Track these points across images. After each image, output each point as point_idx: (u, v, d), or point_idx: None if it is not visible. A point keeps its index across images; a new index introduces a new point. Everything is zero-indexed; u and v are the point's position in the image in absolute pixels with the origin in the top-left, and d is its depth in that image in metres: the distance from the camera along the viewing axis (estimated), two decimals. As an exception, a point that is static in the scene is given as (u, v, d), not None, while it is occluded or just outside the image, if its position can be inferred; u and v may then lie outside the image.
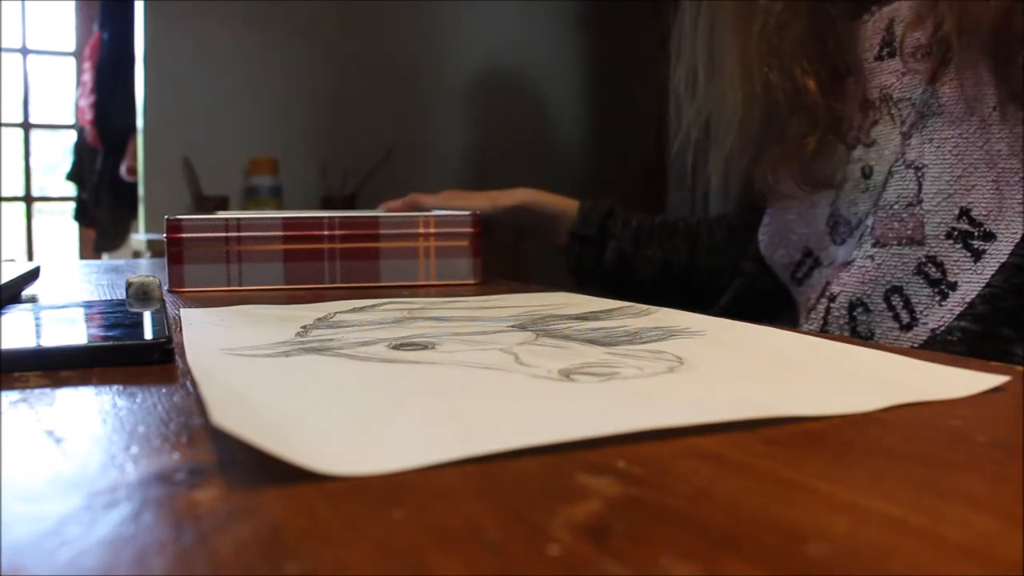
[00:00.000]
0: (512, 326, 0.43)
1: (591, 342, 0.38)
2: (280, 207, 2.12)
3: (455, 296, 0.57)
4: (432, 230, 0.66)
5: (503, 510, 0.18)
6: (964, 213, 0.56)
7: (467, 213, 0.68)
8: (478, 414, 0.26)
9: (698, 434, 0.23)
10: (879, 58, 0.63)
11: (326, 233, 0.64)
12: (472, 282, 0.66)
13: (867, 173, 0.63)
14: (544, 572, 0.15)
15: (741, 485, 0.19)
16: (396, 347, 0.37)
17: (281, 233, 0.64)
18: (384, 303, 0.52)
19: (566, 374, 0.31)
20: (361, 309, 0.49)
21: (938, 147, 0.57)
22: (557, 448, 0.22)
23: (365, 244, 0.65)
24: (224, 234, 0.63)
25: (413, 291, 0.61)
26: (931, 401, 0.27)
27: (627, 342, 0.38)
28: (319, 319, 0.45)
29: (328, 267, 0.64)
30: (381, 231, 0.65)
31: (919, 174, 0.58)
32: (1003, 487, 0.19)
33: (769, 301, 0.71)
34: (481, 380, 0.31)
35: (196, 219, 0.63)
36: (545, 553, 0.16)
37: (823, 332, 0.62)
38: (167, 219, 0.63)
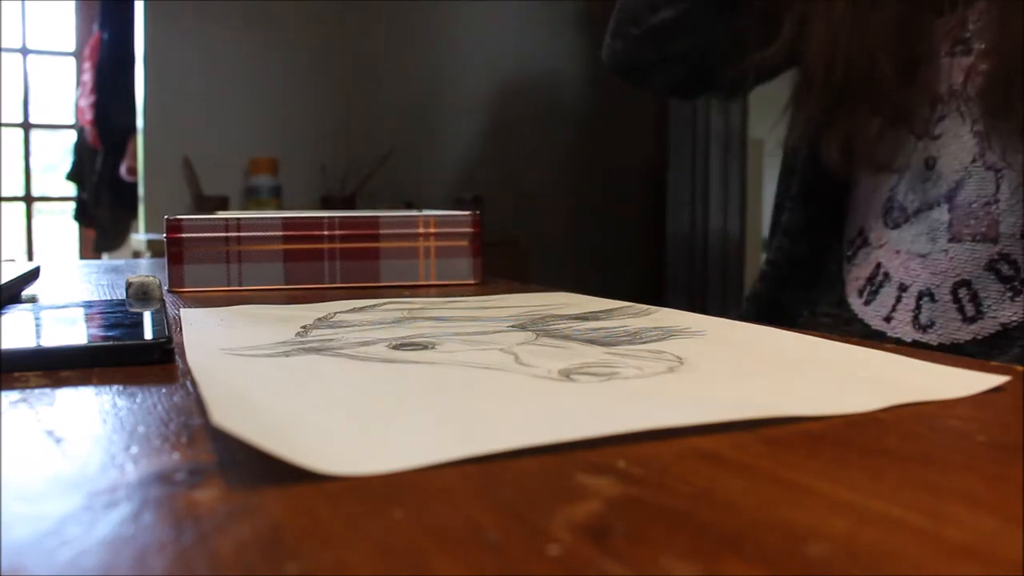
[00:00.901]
0: (512, 326, 0.43)
1: (591, 342, 0.38)
2: (280, 207, 2.12)
3: (455, 296, 0.57)
4: (432, 230, 0.66)
5: (503, 510, 0.18)
6: None
7: (467, 213, 0.68)
8: (478, 414, 0.26)
9: (698, 434, 0.23)
10: (951, 54, 0.63)
11: (326, 233, 0.64)
12: (472, 282, 0.66)
13: (930, 164, 0.64)
14: (544, 572, 0.15)
15: (741, 485, 0.19)
16: (396, 347, 0.37)
17: (281, 233, 0.64)
18: (384, 303, 0.52)
19: (566, 374, 0.31)
20: (361, 309, 0.49)
21: (1016, 153, 0.59)
22: (557, 448, 0.22)
23: (365, 244, 0.65)
24: (224, 234, 0.63)
25: (413, 291, 0.61)
26: (931, 401, 0.27)
27: (627, 342, 0.38)
28: (319, 319, 0.45)
29: (328, 267, 0.64)
30: (381, 231, 0.65)
31: (998, 175, 0.60)
32: (1003, 487, 0.19)
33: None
34: (481, 380, 0.31)
35: (196, 219, 0.63)
36: (545, 553, 0.16)
37: (887, 319, 0.66)
38: (167, 219, 0.63)
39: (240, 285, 0.63)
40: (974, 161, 0.61)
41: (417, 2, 2.36)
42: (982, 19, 0.61)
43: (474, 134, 2.47)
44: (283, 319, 0.45)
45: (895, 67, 0.64)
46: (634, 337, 0.40)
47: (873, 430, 0.24)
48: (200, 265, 0.62)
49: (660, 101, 2.63)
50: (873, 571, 0.15)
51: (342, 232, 0.64)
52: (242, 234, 0.63)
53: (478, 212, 0.69)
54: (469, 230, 0.67)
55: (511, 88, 2.50)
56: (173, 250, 0.62)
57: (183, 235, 0.63)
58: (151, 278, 0.48)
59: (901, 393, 0.28)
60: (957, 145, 0.62)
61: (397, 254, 0.65)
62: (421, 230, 0.66)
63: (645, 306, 0.49)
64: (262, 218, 0.64)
